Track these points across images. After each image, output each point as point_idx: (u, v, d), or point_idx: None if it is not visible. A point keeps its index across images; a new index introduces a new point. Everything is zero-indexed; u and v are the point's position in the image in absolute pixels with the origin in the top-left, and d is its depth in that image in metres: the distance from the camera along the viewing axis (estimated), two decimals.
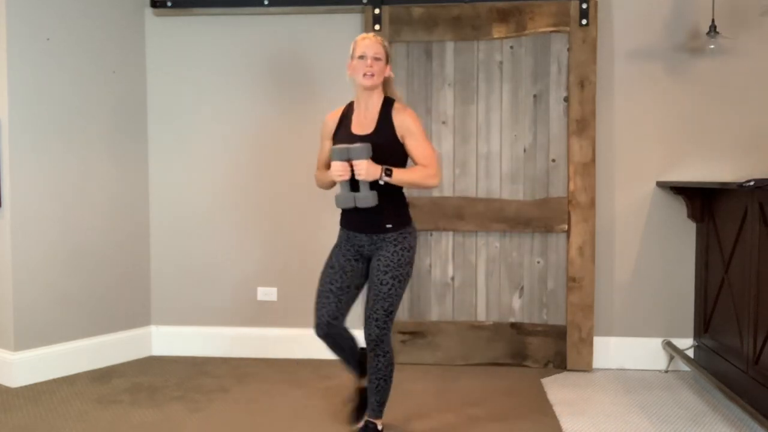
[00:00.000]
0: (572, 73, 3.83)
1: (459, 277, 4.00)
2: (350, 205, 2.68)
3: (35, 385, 3.62)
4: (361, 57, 2.69)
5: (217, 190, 4.17)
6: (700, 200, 3.69)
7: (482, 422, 3.12)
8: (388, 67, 2.76)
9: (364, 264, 2.82)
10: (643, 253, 3.91)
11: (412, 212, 2.86)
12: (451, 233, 3.99)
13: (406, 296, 3.94)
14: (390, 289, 2.71)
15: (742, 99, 3.79)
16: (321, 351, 4.09)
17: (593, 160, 3.83)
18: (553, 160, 3.90)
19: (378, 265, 2.73)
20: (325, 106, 3.98)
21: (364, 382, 2.92)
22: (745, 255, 3.20)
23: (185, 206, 4.19)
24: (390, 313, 2.73)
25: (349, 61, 2.76)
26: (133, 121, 4.11)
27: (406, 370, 3.74)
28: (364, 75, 2.68)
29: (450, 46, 3.94)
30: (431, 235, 3.98)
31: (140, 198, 4.16)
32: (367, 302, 2.77)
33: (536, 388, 3.60)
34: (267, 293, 4.16)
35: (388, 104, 2.75)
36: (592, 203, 3.85)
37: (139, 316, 4.17)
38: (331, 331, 2.81)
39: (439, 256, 4.00)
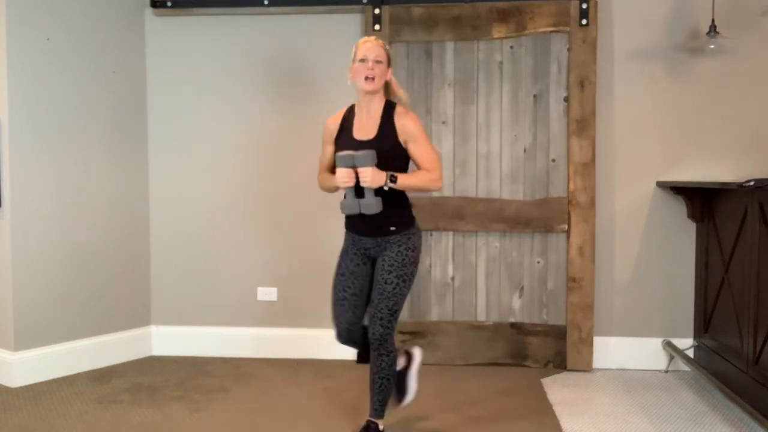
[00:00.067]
0: (572, 73, 3.83)
1: (459, 277, 4.00)
2: (355, 211, 2.69)
3: (35, 385, 3.62)
4: (363, 60, 2.69)
5: (217, 190, 4.17)
6: (700, 200, 3.69)
7: (482, 422, 3.12)
8: (390, 71, 2.77)
9: (371, 266, 2.84)
10: (643, 253, 3.91)
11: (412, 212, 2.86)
12: (451, 233, 3.99)
13: None
14: (395, 288, 2.72)
15: (742, 99, 3.79)
16: (321, 351, 4.12)
17: (593, 160, 3.83)
18: (553, 160, 3.90)
19: (383, 264, 2.75)
20: (325, 106, 4.00)
21: (396, 366, 2.93)
22: (745, 255, 3.20)
23: (185, 206, 4.19)
24: (394, 313, 2.74)
25: (350, 65, 2.76)
26: (133, 121, 4.11)
27: None
28: (366, 79, 2.68)
29: (450, 46, 3.94)
30: (431, 235, 3.98)
31: (140, 198, 4.16)
32: (372, 301, 2.78)
33: (536, 388, 3.60)
34: (267, 293, 4.16)
35: (389, 108, 2.75)
36: (592, 203, 3.85)
37: (139, 316, 4.17)
38: (352, 336, 2.90)
39: (439, 256, 4.00)
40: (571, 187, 3.85)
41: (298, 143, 4.07)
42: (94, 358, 3.92)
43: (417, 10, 3.92)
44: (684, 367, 3.83)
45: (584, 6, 3.79)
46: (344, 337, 2.90)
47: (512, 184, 3.93)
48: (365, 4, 3.94)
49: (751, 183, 2.93)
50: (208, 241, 4.18)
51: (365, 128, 2.74)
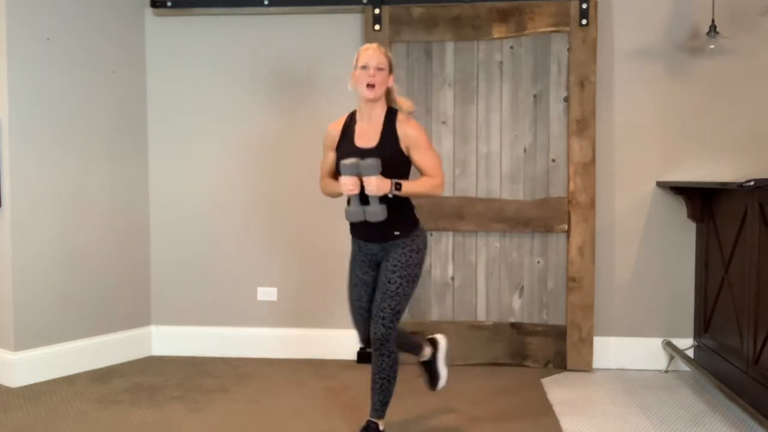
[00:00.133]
0: (572, 73, 3.83)
1: (459, 277, 4.00)
2: (360, 218, 2.71)
3: (35, 385, 3.62)
4: (364, 67, 2.70)
5: (217, 190, 4.17)
6: (700, 200, 3.69)
7: (482, 422, 3.12)
8: (391, 78, 2.78)
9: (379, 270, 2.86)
10: (643, 253, 3.91)
11: None
12: (451, 233, 3.99)
13: None
14: (398, 288, 2.73)
15: (742, 99, 3.79)
16: (321, 351, 4.12)
17: (593, 160, 3.83)
18: (553, 160, 3.90)
19: (387, 265, 2.77)
20: (324, 106, 4.01)
21: (423, 357, 3.08)
22: (745, 255, 3.20)
23: (185, 206, 4.19)
24: (397, 313, 2.74)
25: (351, 72, 2.77)
26: (133, 121, 4.11)
27: (406, 371, 3.72)
28: (367, 86, 2.69)
29: (450, 46, 3.94)
30: (431, 235, 3.98)
31: (140, 198, 4.16)
32: (375, 301, 2.79)
33: (536, 388, 3.60)
34: (267, 293, 4.16)
35: (391, 115, 2.76)
36: (592, 203, 3.85)
37: (139, 316, 4.17)
38: None
39: (439, 256, 4.00)
40: (571, 187, 3.85)
41: (298, 143, 4.07)
42: (94, 358, 3.92)
43: (417, 10, 3.92)
44: (684, 367, 3.83)
45: (584, 6, 3.79)
46: (367, 344, 2.94)
47: (512, 184, 3.93)
48: (365, 4, 3.94)
49: (751, 183, 2.93)
50: (208, 241, 4.18)
51: (367, 136, 2.76)
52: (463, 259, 3.99)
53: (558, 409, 3.28)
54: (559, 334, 3.92)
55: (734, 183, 3.20)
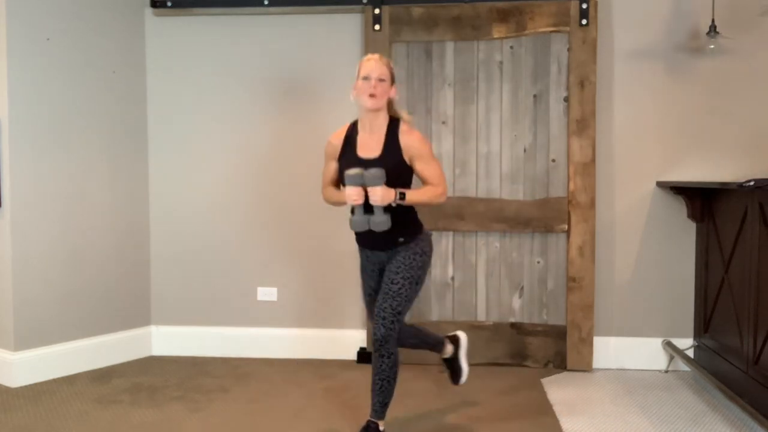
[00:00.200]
0: (572, 73, 3.83)
1: (459, 277, 4.00)
2: (365, 228, 2.73)
3: (35, 385, 3.62)
4: (366, 78, 2.72)
5: (217, 190, 4.17)
6: (700, 200, 3.69)
7: (482, 422, 3.12)
8: (393, 88, 2.79)
9: None
10: (643, 253, 3.91)
11: None
12: (451, 233, 3.99)
13: None
14: (400, 289, 2.74)
15: (742, 99, 3.79)
16: (321, 351, 4.12)
17: (593, 160, 3.83)
18: (553, 160, 3.90)
19: (390, 267, 2.79)
20: (324, 106, 4.01)
21: (445, 354, 3.18)
22: (745, 255, 3.20)
23: (185, 206, 4.19)
24: (398, 314, 2.75)
25: (354, 82, 2.79)
26: (133, 121, 4.11)
27: (406, 370, 3.71)
28: (369, 96, 2.71)
29: (450, 46, 3.94)
30: (431, 235, 3.97)
31: (140, 198, 4.16)
32: (377, 301, 2.81)
33: (536, 388, 3.60)
34: (267, 293, 4.16)
35: (394, 126, 2.78)
36: (592, 203, 3.85)
37: (139, 316, 4.17)
38: (400, 344, 2.97)
39: (439, 256, 3.99)
40: (571, 187, 3.85)
41: (297, 143, 4.07)
42: (94, 358, 3.92)
43: (417, 10, 3.92)
44: (684, 367, 3.83)
45: (584, 6, 3.79)
46: None
47: (512, 184, 3.93)
48: (365, 4, 3.94)
49: (751, 183, 2.93)
50: (208, 241, 4.18)
51: (369, 146, 2.78)
52: (463, 259, 3.99)
53: (558, 409, 3.28)
54: (559, 334, 3.92)
55: (734, 183, 3.20)
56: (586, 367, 3.88)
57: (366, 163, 2.71)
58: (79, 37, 3.81)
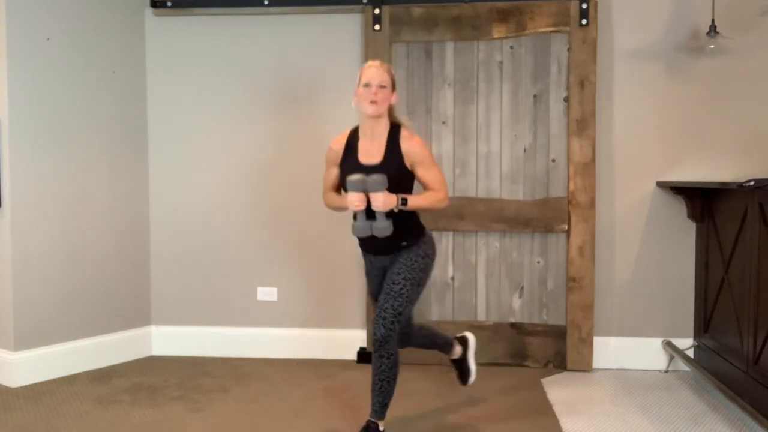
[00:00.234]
0: (572, 73, 3.83)
1: (459, 277, 4.00)
2: (367, 233, 2.76)
3: (35, 385, 3.62)
4: (367, 85, 2.74)
5: (217, 190, 4.17)
6: (700, 200, 3.69)
7: (482, 422, 3.12)
8: (394, 95, 2.81)
9: None
10: (643, 253, 3.91)
11: None
12: (451, 233, 3.99)
13: None
14: (401, 289, 2.75)
15: (742, 99, 3.79)
16: (321, 351, 4.12)
17: (593, 160, 3.83)
18: (553, 160, 3.90)
19: (393, 268, 2.81)
20: (324, 106, 4.01)
21: (453, 355, 3.27)
22: (745, 255, 3.20)
23: (185, 206, 4.19)
24: (399, 314, 2.75)
25: (355, 88, 2.81)
26: (133, 121, 4.11)
27: (406, 370, 3.71)
28: (369, 102, 2.72)
29: (450, 46, 3.94)
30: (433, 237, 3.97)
31: (140, 198, 4.16)
32: (378, 302, 2.82)
33: (536, 388, 3.60)
34: (267, 293, 4.16)
35: (395, 132, 2.79)
36: (592, 203, 3.85)
37: (139, 316, 4.17)
38: (409, 341, 3.10)
39: (439, 256, 3.96)
40: (571, 187, 3.85)
41: (297, 142, 4.07)
42: (94, 358, 3.92)
43: (417, 10, 3.92)
44: (684, 367, 3.83)
45: (584, 6, 3.79)
46: (400, 344, 3.05)
47: (512, 184, 3.93)
48: (365, 4, 3.94)
49: (751, 183, 2.93)
50: (208, 241, 4.18)
51: (371, 153, 2.79)
52: (463, 259, 3.99)
53: (558, 409, 3.28)
54: (559, 334, 3.92)
55: (734, 183, 3.20)
56: (586, 367, 3.88)
57: (367, 170, 2.73)
58: (79, 37, 3.81)
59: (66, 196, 3.78)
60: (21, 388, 3.58)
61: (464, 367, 3.28)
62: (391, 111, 2.83)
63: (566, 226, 3.87)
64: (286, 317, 4.15)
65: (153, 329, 4.23)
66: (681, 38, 3.82)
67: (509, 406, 3.33)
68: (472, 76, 3.94)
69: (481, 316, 4.00)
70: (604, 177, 3.90)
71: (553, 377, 3.78)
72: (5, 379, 3.62)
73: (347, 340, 4.08)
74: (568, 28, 3.83)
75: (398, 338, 3.03)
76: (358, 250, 2.98)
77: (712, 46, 3.70)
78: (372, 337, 2.77)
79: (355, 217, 2.79)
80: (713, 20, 3.63)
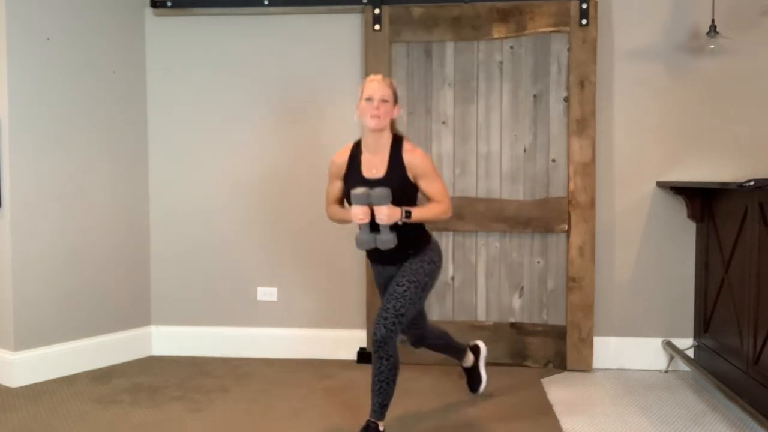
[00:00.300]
0: (572, 73, 3.83)
1: (459, 277, 4.00)
2: (371, 246, 2.79)
3: (35, 385, 3.62)
4: (369, 99, 2.76)
5: (217, 190, 4.17)
6: (700, 200, 3.69)
7: (482, 422, 3.12)
8: (397, 108, 2.84)
9: None
10: (643, 253, 3.91)
11: None
12: (451, 233, 3.99)
13: None
14: (405, 291, 2.78)
15: (742, 99, 3.79)
16: (321, 351, 4.12)
17: (593, 160, 3.83)
18: (553, 160, 3.90)
19: (399, 272, 2.85)
20: (324, 107, 4.01)
21: (466, 363, 3.39)
22: (745, 255, 3.20)
23: (185, 206, 4.19)
24: (400, 315, 2.76)
25: (357, 102, 2.83)
26: (133, 121, 4.11)
27: (406, 370, 3.72)
28: (371, 116, 2.74)
29: (450, 46, 3.94)
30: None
31: (140, 198, 4.16)
32: (381, 303, 2.84)
33: (536, 388, 3.60)
34: (267, 293, 4.16)
35: (397, 144, 2.81)
36: (592, 203, 3.85)
37: (139, 316, 4.17)
38: (423, 341, 3.20)
39: None
40: (571, 187, 3.85)
41: (297, 143, 4.07)
42: (94, 358, 3.92)
43: (417, 10, 3.92)
44: (684, 367, 3.83)
45: (584, 6, 3.79)
46: (415, 344, 3.22)
47: (512, 184, 3.93)
48: (365, 4, 3.94)
49: (751, 183, 2.93)
50: (208, 240, 4.18)
51: (374, 166, 2.82)
52: (463, 259, 3.99)
53: (558, 409, 3.28)
54: (559, 334, 3.92)
55: (734, 183, 3.19)
56: (586, 367, 3.88)
57: (371, 183, 2.75)
58: (79, 37, 3.81)
59: (66, 196, 3.78)
60: (21, 388, 3.58)
61: (475, 375, 3.37)
62: (393, 124, 2.85)
63: (566, 226, 3.87)
64: (286, 317, 4.15)
65: (153, 329, 4.23)
66: (681, 38, 3.82)
67: (509, 406, 3.33)
68: (472, 76, 3.94)
69: (481, 316, 4.00)
70: (604, 177, 3.90)
71: (553, 377, 3.78)
72: (5, 379, 3.62)
73: (347, 340, 4.08)
74: (568, 28, 3.83)
75: (413, 339, 3.15)
76: (360, 252, 2.99)
77: (712, 46, 3.70)
78: (372, 337, 2.77)
79: (360, 228, 2.80)
80: (713, 20, 3.63)
